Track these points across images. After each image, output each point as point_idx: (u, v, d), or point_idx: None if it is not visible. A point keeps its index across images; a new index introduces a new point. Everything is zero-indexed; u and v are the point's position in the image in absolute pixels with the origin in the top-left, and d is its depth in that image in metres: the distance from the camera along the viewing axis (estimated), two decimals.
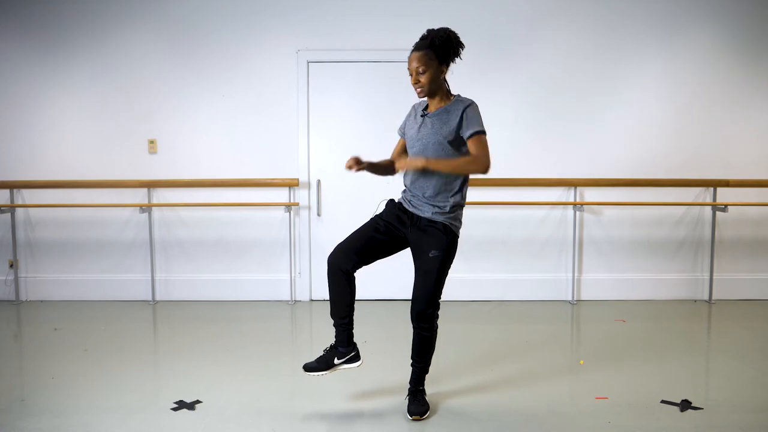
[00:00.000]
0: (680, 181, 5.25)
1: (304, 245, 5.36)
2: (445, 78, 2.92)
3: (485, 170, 2.80)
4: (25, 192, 5.34)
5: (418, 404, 3.02)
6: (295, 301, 5.36)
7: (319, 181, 5.32)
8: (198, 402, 3.19)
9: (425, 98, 2.97)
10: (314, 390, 3.36)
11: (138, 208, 5.21)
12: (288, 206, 5.17)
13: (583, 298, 5.38)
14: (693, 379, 3.51)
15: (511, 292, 5.34)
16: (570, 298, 5.34)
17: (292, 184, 5.24)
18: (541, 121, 5.25)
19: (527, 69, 5.22)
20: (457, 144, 2.87)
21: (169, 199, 5.32)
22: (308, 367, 3.05)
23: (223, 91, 5.25)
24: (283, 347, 4.16)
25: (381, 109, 5.25)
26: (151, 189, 5.29)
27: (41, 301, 5.37)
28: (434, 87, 2.87)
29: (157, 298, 5.37)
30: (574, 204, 5.17)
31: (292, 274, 5.35)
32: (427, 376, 3.16)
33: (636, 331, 4.47)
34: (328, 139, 5.29)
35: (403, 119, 3.13)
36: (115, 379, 3.51)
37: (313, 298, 5.40)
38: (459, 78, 5.18)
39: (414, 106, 3.10)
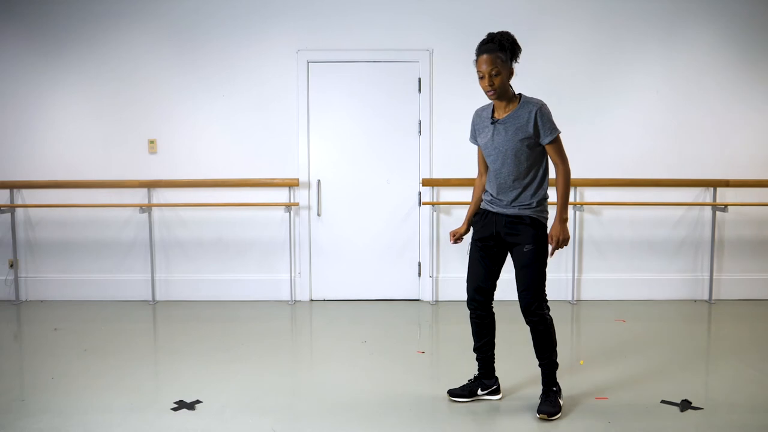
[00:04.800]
0: (680, 181, 5.25)
1: (304, 245, 5.36)
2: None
3: (570, 172, 2.97)
4: (25, 192, 5.35)
5: (549, 404, 3.01)
6: (295, 301, 5.36)
7: (319, 181, 5.32)
8: (198, 402, 3.19)
9: (489, 102, 3.02)
10: (314, 390, 3.36)
11: (138, 208, 5.21)
12: (288, 206, 5.17)
13: (583, 298, 5.38)
14: (693, 379, 3.51)
15: (511, 293, 5.32)
16: (570, 298, 5.34)
17: (292, 184, 5.24)
18: None
19: (527, 69, 5.21)
20: (533, 146, 2.91)
21: (169, 199, 5.32)
22: (452, 393, 3.21)
23: (223, 91, 5.25)
24: (283, 347, 4.16)
25: (381, 108, 5.25)
26: (151, 189, 5.29)
27: (41, 301, 5.37)
28: (505, 89, 2.90)
29: (157, 298, 5.37)
30: (574, 204, 5.17)
31: (292, 274, 5.35)
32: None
33: (636, 331, 4.47)
34: (328, 139, 5.29)
35: (470, 127, 3.14)
36: (115, 379, 3.51)
37: (313, 298, 5.41)
38: (459, 78, 5.21)
39: (477, 113, 3.10)
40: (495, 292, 3.14)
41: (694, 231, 5.39)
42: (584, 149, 5.28)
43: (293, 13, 5.20)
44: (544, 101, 2.95)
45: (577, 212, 5.28)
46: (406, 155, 5.29)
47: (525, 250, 2.94)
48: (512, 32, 2.98)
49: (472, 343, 3.26)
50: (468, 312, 3.19)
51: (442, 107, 5.24)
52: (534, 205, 2.95)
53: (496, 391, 3.22)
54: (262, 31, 5.22)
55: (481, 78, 2.88)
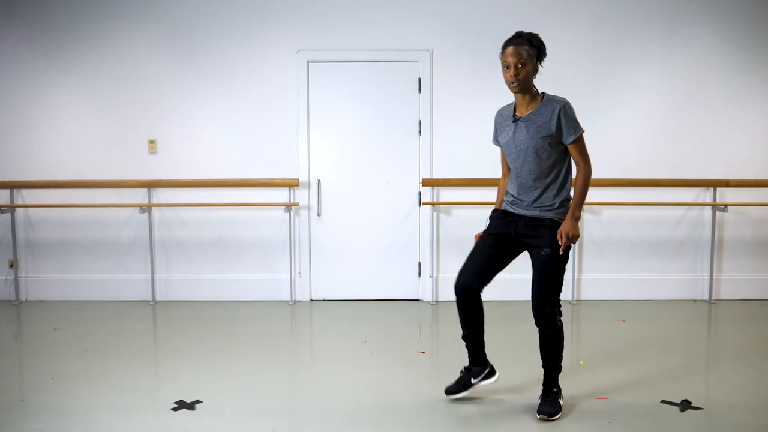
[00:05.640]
0: (680, 181, 5.25)
1: (304, 245, 5.36)
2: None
3: (591, 173, 2.93)
4: (25, 192, 5.34)
5: (549, 405, 3.00)
6: (295, 301, 5.36)
7: (319, 181, 5.32)
8: (198, 402, 3.19)
9: (510, 102, 3.00)
10: (314, 390, 3.36)
11: (138, 208, 5.21)
12: (288, 206, 5.17)
13: (583, 298, 5.38)
14: (693, 379, 3.51)
15: (511, 292, 5.34)
16: (570, 298, 5.34)
17: (292, 184, 5.24)
18: None
19: None
20: (555, 144, 2.88)
21: (169, 199, 5.32)
22: (449, 390, 3.17)
23: (223, 91, 5.25)
24: (283, 347, 4.16)
25: (381, 108, 5.25)
26: (151, 189, 5.29)
27: (41, 301, 5.37)
28: (528, 83, 2.86)
29: (157, 298, 5.37)
30: None
31: (292, 274, 5.35)
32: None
33: (636, 331, 4.47)
34: (328, 139, 5.29)
35: (493, 128, 3.11)
36: (115, 379, 3.51)
37: (313, 298, 5.40)
38: (459, 78, 5.21)
39: (499, 112, 3.08)
40: (486, 286, 3.06)
41: (694, 231, 5.38)
42: None
43: (293, 13, 5.20)
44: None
45: None
46: (406, 155, 5.29)
47: (543, 253, 2.89)
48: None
49: (459, 346, 3.22)
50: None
51: (442, 107, 5.24)
52: (556, 206, 2.91)
53: (491, 374, 3.17)
54: (262, 31, 5.22)
55: (506, 68, 2.85)
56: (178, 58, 5.23)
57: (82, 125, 5.29)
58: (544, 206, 2.92)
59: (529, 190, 2.93)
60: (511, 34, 2.91)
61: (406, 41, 5.22)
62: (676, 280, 5.39)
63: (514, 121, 2.94)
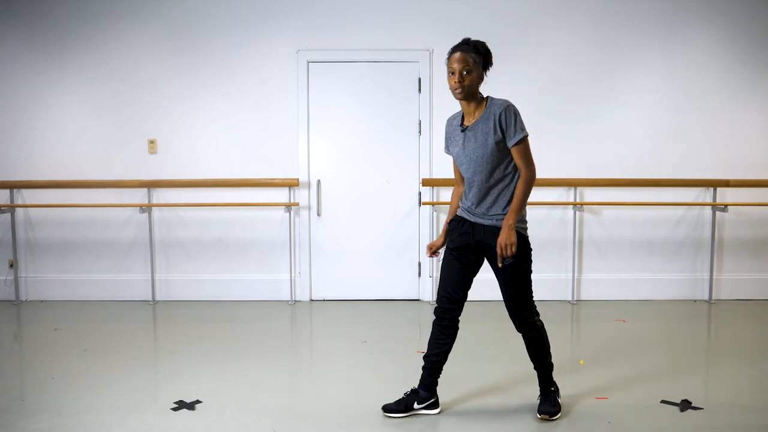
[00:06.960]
0: (680, 181, 5.25)
1: (304, 245, 5.36)
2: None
3: (534, 179, 2.84)
4: (25, 192, 5.35)
5: (549, 404, 2.99)
6: (295, 301, 5.36)
7: (319, 181, 5.32)
8: (198, 402, 3.19)
9: (458, 112, 2.97)
10: (314, 390, 3.36)
11: (138, 208, 5.21)
12: (288, 206, 5.17)
13: (583, 298, 5.38)
14: (693, 379, 3.51)
15: None
16: (570, 298, 5.34)
17: (292, 184, 5.24)
18: (541, 122, 5.24)
19: (527, 69, 5.22)
20: (504, 149, 2.82)
21: (169, 199, 5.32)
22: (387, 409, 3.04)
23: (223, 91, 5.25)
24: (283, 347, 4.16)
25: (381, 108, 5.25)
26: (151, 189, 5.29)
27: (41, 301, 5.38)
28: (474, 90, 2.84)
29: (157, 298, 5.37)
30: (574, 204, 5.17)
31: (292, 274, 5.35)
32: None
33: (636, 331, 4.47)
34: (328, 139, 5.29)
35: (444, 137, 3.06)
36: (115, 379, 3.51)
37: (313, 298, 5.41)
38: None
39: (449, 121, 3.04)
40: (464, 303, 3.01)
41: (694, 231, 5.38)
42: (584, 149, 5.28)
43: (293, 13, 5.21)
44: (511, 101, 2.86)
45: (577, 212, 5.28)
46: (406, 155, 5.29)
47: (505, 263, 2.83)
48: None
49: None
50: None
51: (442, 107, 5.23)
52: None
53: (434, 405, 3.06)
54: (262, 31, 5.22)
55: (451, 74, 2.81)
56: (178, 58, 5.24)
57: (82, 125, 5.29)
58: (500, 215, 2.85)
59: (483, 198, 2.88)
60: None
61: (406, 41, 5.22)
62: (676, 280, 5.39)
63: (462, 131, 2.90)
